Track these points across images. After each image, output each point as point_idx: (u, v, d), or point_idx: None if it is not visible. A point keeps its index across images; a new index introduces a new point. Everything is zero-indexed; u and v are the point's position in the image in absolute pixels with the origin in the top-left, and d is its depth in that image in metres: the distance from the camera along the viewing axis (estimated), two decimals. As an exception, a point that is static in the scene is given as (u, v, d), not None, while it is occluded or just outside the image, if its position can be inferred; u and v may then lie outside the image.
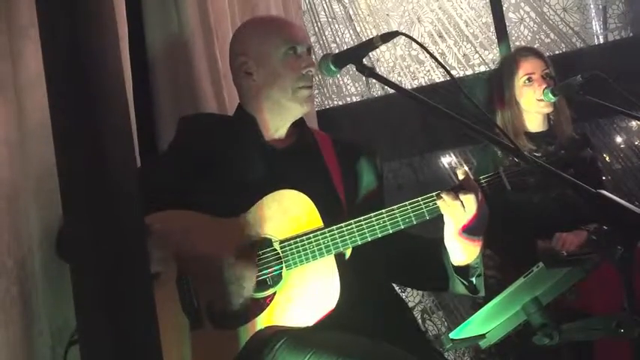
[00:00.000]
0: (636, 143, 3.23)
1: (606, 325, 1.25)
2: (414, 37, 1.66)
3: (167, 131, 2.24)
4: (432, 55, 1.51)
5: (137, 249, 1.19)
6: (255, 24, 1.92)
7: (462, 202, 1.52)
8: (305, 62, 1.77)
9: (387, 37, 1.55)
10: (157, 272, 1.58)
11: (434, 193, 1.58)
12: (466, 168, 1.58)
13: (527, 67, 2.58)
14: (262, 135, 1.79)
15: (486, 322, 1.41)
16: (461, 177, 1.56)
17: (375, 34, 2.67)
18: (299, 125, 1.86)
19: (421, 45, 1.54)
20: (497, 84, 2.66)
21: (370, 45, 1.56)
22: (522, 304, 1.37)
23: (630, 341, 1.26)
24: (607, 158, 3.22)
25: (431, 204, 1.59)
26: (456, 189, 1.54)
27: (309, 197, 1.63)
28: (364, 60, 1.57)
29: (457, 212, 1.53)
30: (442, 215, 1.58)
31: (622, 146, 3.23)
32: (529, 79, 2.57)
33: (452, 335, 1.39)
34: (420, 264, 1.76)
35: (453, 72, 3.51)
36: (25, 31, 1.75)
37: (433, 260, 1.70)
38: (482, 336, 1.44)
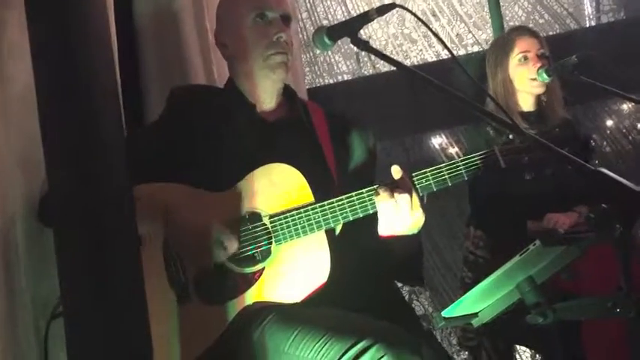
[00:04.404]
0: (627, 126, 3.23)
1: (602, 304, 1.23)
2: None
3: (154, 103, 2.20)
4: (428, 27, 1.48)
5: (124, 219, 1.16)
6: None
7: (396, 200, 1.51)
8: (275, 28, 1.72)
9: (384, 9, 1.51)
10: (143, 235, 1.55)
11: (428, 170, 1.56)
12: (398, 167, 1.55)
13: (523, 45, 2.55)
14: (253, 107, 1.76)
15: (479, 301, 1.40)
16: (396, 176, 1.54)
17: (367, 11, 2.62)
18: (290, 97, 1.82)
19: (418, 17, 1.50)
20: (492, 62, 2.63)
21: (366, 18, 1.52)
22: (516, 283, 1.35)
23: (624, 321, 1.25)
24: (598, 140, 3.22)
25: (424, 180, 1.57)
26: (392, 186, 1.52)
27: (301, 171, 1.60)
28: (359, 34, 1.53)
29: (390, 210, 1.52)
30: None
31: (613, 129, 3.23)
32: (524, 58, 2.54)
33: (444, 313, 1.38)
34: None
35: (445, 51, 3.48)
36: (7, 1, 1.69)
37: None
38: (475, 315, 1.42)
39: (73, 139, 1.14)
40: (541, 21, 3.46)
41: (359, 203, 1.57)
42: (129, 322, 1.11)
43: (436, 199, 1.64)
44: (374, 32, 3.64)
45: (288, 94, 1.82)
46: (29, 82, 1.19)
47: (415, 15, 1.52)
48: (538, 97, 2.62)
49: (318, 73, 3.71)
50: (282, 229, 1.58)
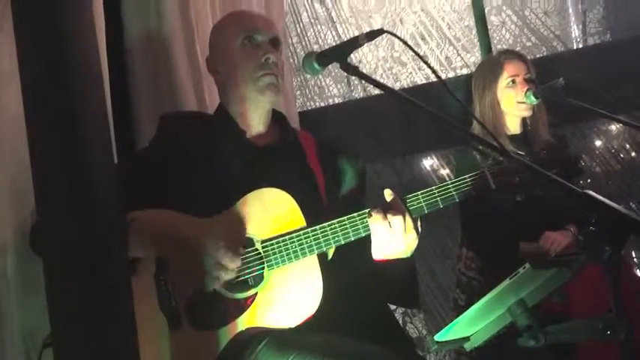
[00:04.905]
0: (615, 147, 3.25)
1: (593, 327, 1.23)
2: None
3: (145, 130, 2.20)
4: (416, 54, 1.50)
5: (115, 249, 1.15)
6: (219, 21, 1.91)
7: (389, 223, 1.51)
8: (263, 50, 1.73)
9: (373, 35, 1.52)
10: (135, 259, 1.54)
11: (419, 192, 1.57)
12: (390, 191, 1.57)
13: (511, 69, 2.59)
14: (243, 132, 1.76)
15: (471, 325, 1.39)
16: (388, 198, 1.55)
17: (357, 36, 2.65)
18: (280, 122, 1.83)
19: (406, 43, 1.52)
20: (479, 84, 2.66)
21: (355, 43, 1.53)
22: (508, 306, 1.35)
23: (617, 344, 1.25)
24: (587, 161, 3.24)
25: (415, 203, 1.57)
26: (385, 208, 1.53)
27: (292, 195, 1.60)
28: (348, 58, 1.55)
29: (384, 233, 1.52)
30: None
31: (602, 149, 3.25)
32: (512, 82, 2.58)
33: (437, 337, 1.37)
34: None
35: (435, 74, 3.50)
36: (-1, 27, 1.70)
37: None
38: (467, 338, 1.42)
39: (62, 169, 1.13)
40: (528, 44, 3.50)
41: (350, 226, 1.57)
42: (119, 352, 1.10)
43: (428, 220, 1.64)
44: (364, 56, 3.66)
45: (277, 118, 1.83)
46: (20, 110, 1.18)
47: (404, 41, 1.53)
48: (524, 120, 2.64)
49: (309, 96, 3.73)
50: (274, 254, 1.57)
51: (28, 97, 1.15)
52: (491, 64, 2.66)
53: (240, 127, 1.76)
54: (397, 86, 3.64)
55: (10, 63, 1.67)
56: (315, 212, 1.62)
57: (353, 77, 3.60)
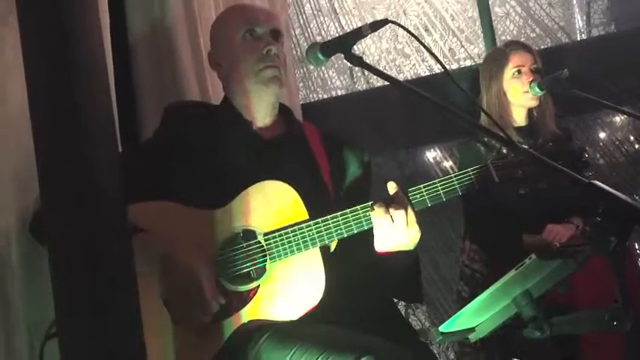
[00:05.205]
0: (620, 138, 3.25)
1: (599, 318, 1.23)
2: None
3: (149, 122, 2.20)
4: (420, 42, 1.49)
5: (119, 240, 1.15)
6: (219, 15, 1.91)
7: (392, 216, 1.51)
8: (264, 42, 1.72)
9: (377, 25, 1.51)
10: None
11: (422, 185, 1.56)
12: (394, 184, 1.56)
13: (517, 60, 2.59)
14: (249, 125, 1.76)
15: (476, 315, 1.39)
16: (391, 191, 1.54)
17: (360, 27, 2.64)
18: (285, 114, 1.83)
19: (410, 33, 1.51)
20: (486, 75, 2.65)
21: (359, 33, 1.53)
22: (513, 297, 1.35)
23: (621, 335, 1.25)
24: (591, 153, 3.24)
25: (418, 196, 1.57)
26: (388, 201, 1.52)
27: (297, 189, 1.60)
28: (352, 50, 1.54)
29: (386, 226, 1.52)
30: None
31: (606, 141, 3.25)
32: (518, 72, 2.57)
33: (442, 328, 1.37)
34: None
35: (438, 66, 3.50)
36: (4, 19, 1.70)
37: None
38: (472, 329, 1.42)
39: (67, 162, 1.13)
40: (532, 35, 3.49)
41: (353, 220, 1.56)
42: (124, 342, 1.10)
43: (431, 212, 1.64)
44: (367, 48, 3.66)
45: (283, 111, 1.82)
46: (24, 100, 1.18)
47: (408, 31, 1.52)
48: (530, 112, 2.64)
49: (312, 88, 3.72)
50: (276, 246, 1.57)
51: (33, 91, 1.15)
52: (497, 55, 2.66)
53: (246, 118, 1.76)
54: (400, 78, 3.63)
55: (14, 53, 1.66)
56: (321, 204, 1.62)
57: (356, 69, 3.60)
